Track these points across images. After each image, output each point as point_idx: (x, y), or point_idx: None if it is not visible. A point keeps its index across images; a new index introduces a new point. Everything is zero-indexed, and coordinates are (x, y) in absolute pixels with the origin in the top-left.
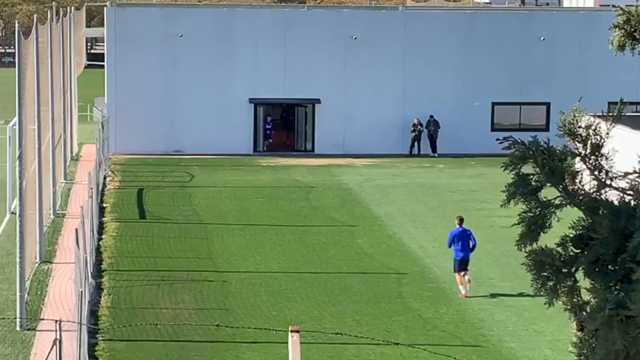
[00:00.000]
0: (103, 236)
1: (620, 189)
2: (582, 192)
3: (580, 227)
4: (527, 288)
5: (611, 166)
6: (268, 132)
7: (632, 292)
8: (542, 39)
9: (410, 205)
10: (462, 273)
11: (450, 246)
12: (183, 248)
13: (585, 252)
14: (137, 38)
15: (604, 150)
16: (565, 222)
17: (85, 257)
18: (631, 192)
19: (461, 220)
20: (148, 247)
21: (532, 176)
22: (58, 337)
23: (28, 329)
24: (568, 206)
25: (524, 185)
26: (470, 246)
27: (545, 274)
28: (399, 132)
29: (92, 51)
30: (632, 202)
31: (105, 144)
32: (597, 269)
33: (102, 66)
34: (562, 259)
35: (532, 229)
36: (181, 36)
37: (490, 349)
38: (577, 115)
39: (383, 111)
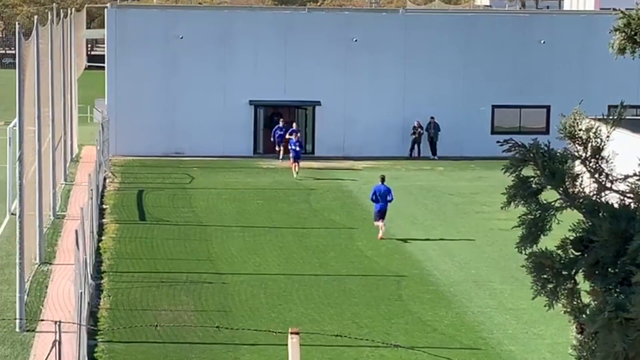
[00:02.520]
0: (103, 238)
1: (620, 192)
2: (582, 194)
3: (580, 230)
4: (527, 291)
5: (611, 169)
6: (295, 146)
7: (631, 295)
8: (542, 42)
9: (410, 208)
10: (381, 220)
11: (372, 199)
12: (183, 250)
13: (585, 255)
14: (138, 40)
15: (604, 153)
16: (565, 224)
17: (85, 258)
18: (631, 195)
19: (383, 179)
20: (148, 248)
21: (532, 179)
22: (57, 338)
23: (27, 330)
24: (568, 209)
25: (524, 188)
26: (388, 199)
27: (545, 276)
28: (399, 135)
29: (92, 53)
30: (632, 205)
31: (106, 145)
32: (597, 272)
33: (103, 68)
34: (562, 261)
35: (532, 232)
36: (181, 38)
37: (489, 352)
38: (577, 118)
39: (383, 113)
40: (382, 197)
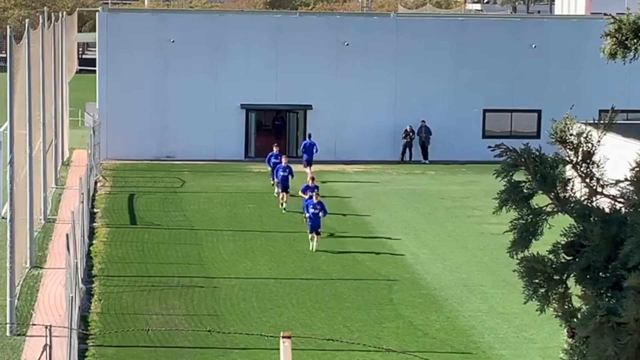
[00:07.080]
0: (94, 241)
1: (611, 197)
2: (574, 199)
3: (572, 234)
4: (518, 295)
5: (602, 174)
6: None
7: (623, 299)
8: (533, 46)
9: (401, 212)
10: (308, 168)
11: (302, 150)
12: (174, 254)
13: (577, 259)
14: (129, 43)
15: (595, 158)
16: (557, 229)
17: (76, 262)
18: (622, 200)
19: (309, 136)
20: (139, 252)
21: (523, 183)
22: (48, 342)
23: (18, 335)
24: (559, 213)
25: (515, 193)
26: (314, 151)
27: (537, 280)
28: (391, 139)
29: (83, 56)
30: (623, 210)
31: (97, 149)
32: (588, 276)
33: (94, 71)
34: (553, 265)
35: (524, 236)
36: (173, 42)
37: (480, 356)
38: (568, 122)
39: (375, 117)
40: (309, 149)
